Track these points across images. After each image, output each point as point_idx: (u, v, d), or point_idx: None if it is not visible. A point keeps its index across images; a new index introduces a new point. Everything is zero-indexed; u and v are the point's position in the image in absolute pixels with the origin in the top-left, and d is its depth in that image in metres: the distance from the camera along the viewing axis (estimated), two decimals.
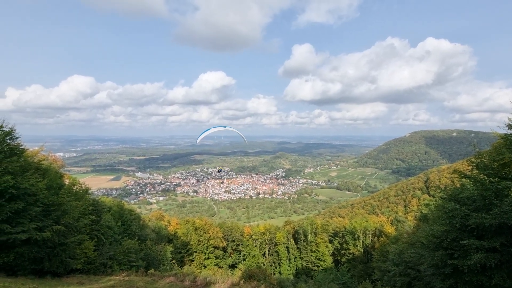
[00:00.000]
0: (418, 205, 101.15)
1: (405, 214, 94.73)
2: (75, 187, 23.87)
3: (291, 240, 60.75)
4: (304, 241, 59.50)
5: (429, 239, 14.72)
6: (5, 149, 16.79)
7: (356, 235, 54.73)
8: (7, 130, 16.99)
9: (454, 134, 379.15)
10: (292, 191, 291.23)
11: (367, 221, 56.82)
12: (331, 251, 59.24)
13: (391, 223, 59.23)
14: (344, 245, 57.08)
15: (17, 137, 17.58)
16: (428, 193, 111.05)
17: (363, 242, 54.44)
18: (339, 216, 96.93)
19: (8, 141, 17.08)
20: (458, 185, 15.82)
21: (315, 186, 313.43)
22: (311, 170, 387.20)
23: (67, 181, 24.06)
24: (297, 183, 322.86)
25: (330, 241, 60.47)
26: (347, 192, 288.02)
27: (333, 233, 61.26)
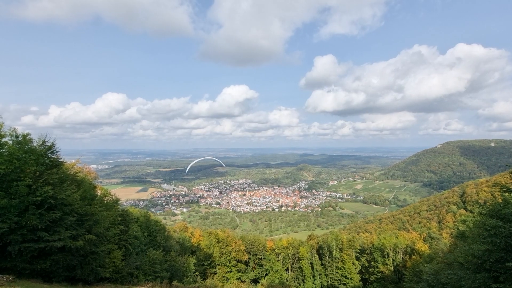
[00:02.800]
0: (454, 221, 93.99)
1: (439, 231, 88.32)
2: (106, 198, 25.07)
3: (315, 255, 58.64)
4: (329, 257, 57.17)
5: (468, 259, 13.53)
6: (47, 161, 18.19)
7: (386, 253, 51.66)
8: (48, 144, 18.45)
9: (492, 144, 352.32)
10: (315, 204, 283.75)
11: (397, 237, 53.60)
12: (358, 269, 56.22)
13: (424, 240, 55.30)
14: (372, 262, 54.00)
15: (57, 151, 19.01)
16: (465, 208, 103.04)
17: (393, 260, 51.20)
18: (366, 232, 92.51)
19: (49, 154, 18.50)
20: (499, 200, 14.54)
21: (340, 199, 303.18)
22: (335, 182, 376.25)
23: (99, 192, 25.37)
24: (321, 196, 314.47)
25: (357, 258, 57.54)
26: (374, 206, 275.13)
27: (360, 250, 58.34)
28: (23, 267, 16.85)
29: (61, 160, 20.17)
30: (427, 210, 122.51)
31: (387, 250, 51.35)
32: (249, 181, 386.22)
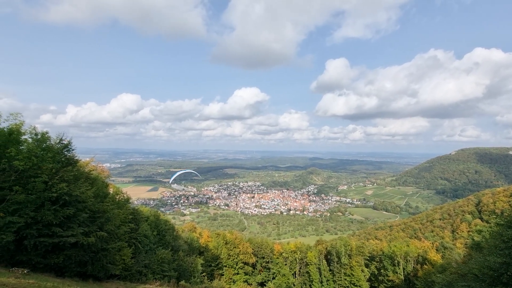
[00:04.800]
0: (468, 231, 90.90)
1: (453, 241, 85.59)
2: (118, 196, 25.60)
3: (323, 261, 57.86)
4: (337, 263, 56.29)
5: (484, 272, 13.06)
6: (63, 159, 18.78)
7: (396, 261, 50.44)
8: (65, 143, 19.04)
9: (511, 152, 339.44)
10: (324, 209, 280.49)
11: (408, 245, 52.28)
12: (367, 276, 55.08)
13: (436, 250, 53.74)
14: (382, 270, 52.83)
15: (73, 149, 19.60)
16: (481, 218, 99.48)
17: (403, 269, 49.94)
18: (376, 238, 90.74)
19: (66, 152, 19.09)
20: None
21: (349, 205, 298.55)
22: (345, 187, 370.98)
23: (111, 190, 25.93)
24: (330, 201, 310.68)
25: (366, 265, 56.42)
26: (384, 212, 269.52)
27: (369, 257, 57.19)
28: (37, 261, 17.38)
29: (76, 158, 20.77)
30: (440, 219, 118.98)
31: (397, 258, 50.14)
32: (258, 183, 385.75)
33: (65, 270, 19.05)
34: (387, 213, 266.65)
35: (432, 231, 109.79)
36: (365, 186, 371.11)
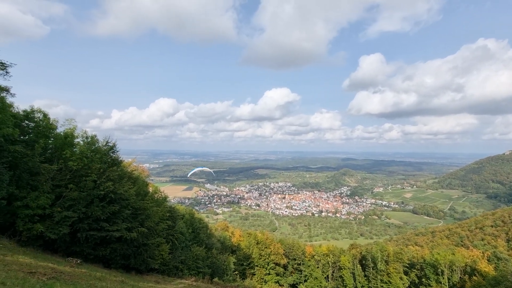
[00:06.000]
0: None
1: (508, 251, 76.97)
2: (157, 194, 27.19)
3: (358, 266, 55.63)
4: (373, 269, 53.75)
5: None
6: (109, 160, 20.51)
7: (440, 270, 46.78)
8: (110, 145, 20.77)
9: None
10: (358, 211, 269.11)
11: (453, 254, 48.23)
12: (407, 285, 51.78)
13: (488, 260, 48.75)
14: (423, 279, 49.35)
15: (117, 151, 21.32)
16: None
17: (448, 279, 46.13)
18: (416, 245, 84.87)
19: (111, 153, 20.81)
20: None
21: (386, 208, 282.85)
22: (381, 189, 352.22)
23: (150, 189, 27.64)
24: (364, 203, 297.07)
25: (405, 273, 53.05)
26: (425, 217, 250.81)
27: (408, 264, 53.74)
28: (88, 252, 19.18)
29: (120, 159, 22.56)
30: (492, 226, 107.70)
31: (441, 267, 46.49)
32: (289, 184, 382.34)
33: (111, 262, 20.75)
34: (428, 218, 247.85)
35: (482, 239, 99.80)
36: (403, 188, 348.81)
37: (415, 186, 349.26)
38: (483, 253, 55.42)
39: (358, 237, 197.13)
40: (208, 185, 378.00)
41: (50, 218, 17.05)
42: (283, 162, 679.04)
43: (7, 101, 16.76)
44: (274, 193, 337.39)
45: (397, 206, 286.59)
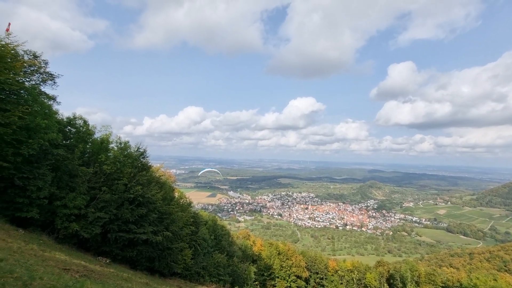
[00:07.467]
0: None
1: None
2: (182, 200, 27.94)
3: (385, 285, 52.50)
4: None
5: None
6: (139, 165, 21.55)
7: None
8: (141, 150, 21.86)
9: None
10: (386, 227, 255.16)
11: (495, 279, 43.90)
12: None
13: None
14: None
15: (147, 156, 22.37)
16: None
17: None
18: (451, 266, 78.48)
19: (142, 159, 21.88)
20: None
21: (416, 224, 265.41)
22: (411, 204, 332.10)
23: (176, 194, 28.47)
24: (393, 218, 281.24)
25: None
26: (462, 236, 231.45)
27: (442, 287, 49.71)
28: (116, 253, 20.08)
29: (150, 164, 23.60)
30: None
31: None
32: (312, 194, 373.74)
33: (137, 264, 21.53)
34: (465, 237, 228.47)
35: None
36: (436, 204, 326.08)
37: (449, 202, 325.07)
38: None
39: (386, 253, 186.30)
40: (231, 193, 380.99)
41: (84, 218, 18.18)
42: (306, 172, 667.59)
43: (53, 109, 18.42)
44: (297, 203, 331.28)
45: (429, 223, 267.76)
